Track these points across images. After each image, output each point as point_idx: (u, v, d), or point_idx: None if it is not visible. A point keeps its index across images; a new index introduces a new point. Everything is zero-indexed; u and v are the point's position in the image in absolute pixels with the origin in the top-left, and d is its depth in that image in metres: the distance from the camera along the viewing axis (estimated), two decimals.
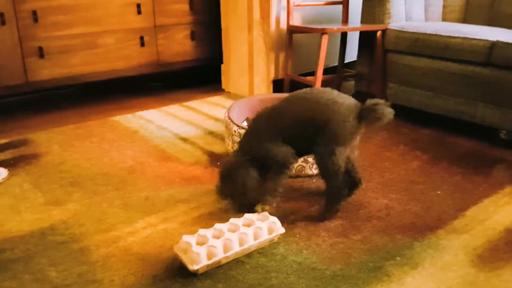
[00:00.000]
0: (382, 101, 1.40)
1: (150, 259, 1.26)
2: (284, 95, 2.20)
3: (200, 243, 1.25)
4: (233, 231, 1.29)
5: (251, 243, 1.27)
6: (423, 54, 2.22)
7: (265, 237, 1.30)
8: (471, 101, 2.09)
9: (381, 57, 2.38)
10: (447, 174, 1.77)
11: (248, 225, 1.33)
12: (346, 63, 3.07)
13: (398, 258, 1.26)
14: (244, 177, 1.42)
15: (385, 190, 1.64)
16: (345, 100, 1.41)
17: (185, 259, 1.20)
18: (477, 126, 2.16)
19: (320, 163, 1.42)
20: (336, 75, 2.78)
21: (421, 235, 1.37)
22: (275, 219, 1.35)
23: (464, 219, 1.45)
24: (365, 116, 1.39)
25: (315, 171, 1.76)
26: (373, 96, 2.51)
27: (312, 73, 2.89)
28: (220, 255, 1.21)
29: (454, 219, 1.45)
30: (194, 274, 1.20)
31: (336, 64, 2.99)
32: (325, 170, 1.41)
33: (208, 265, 1.20)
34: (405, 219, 1.46)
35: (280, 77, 2.81)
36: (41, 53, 2.43)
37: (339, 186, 1.42)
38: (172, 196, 1.60)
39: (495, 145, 2.05)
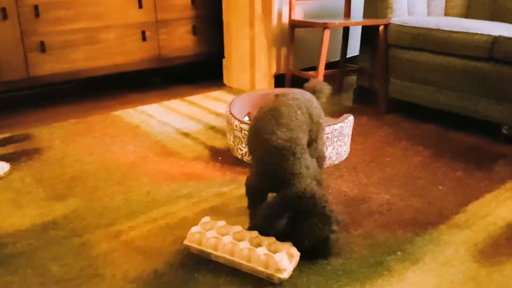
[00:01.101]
0: (317, 80, 1.53)
1: (152, 253, 1.27)
2: (287, 90, 2.19)
3: (205, 229, 1.29)
4: (238, 239, 1.24)
5: (242, 261, 1.19)
6: (425, 49, 2.21)
7: (258, 266, 1.16)
8: (473, 97, 2.08)
9: (383, 52, 2.37)
10: (449, 169, 1.77)
11: (257, 244, 1.22)
12: (348, 58, 3.06)
13: (399, 253, 1.26)
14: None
15: (386, 185, 1.64)
16: (310, 95, 1.47)
17: None
18: (479, 121, 2.15)
19: (322, 156, 1.49)
20: (338, 70, 2.77)
21: (422, 230, 1.37)
22: (283, 259, 1.15)
23: (466, 214, 1.45)
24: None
25: None
26: (374, 92, 2.51)
27: (314, 68, 2.88)
28: (207, 248, 1.24)
29: (456, 214, 1.45)
30: (196, 269, 1.20)
31: (338, 59, 2.98)
32: (323, 161, 1.51)
33: (198, 250, 1.24)
34: (407, 214, 1.46)
35: (281, 72, 2.81)
36: (42, 48, 2.43)
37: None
38: (174, 191, 1.60)
39: (497, 141, 2.04)
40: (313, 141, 1.43)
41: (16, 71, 2.39)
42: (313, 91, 1.51)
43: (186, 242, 1.27)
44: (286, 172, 1.18)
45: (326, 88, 1.54)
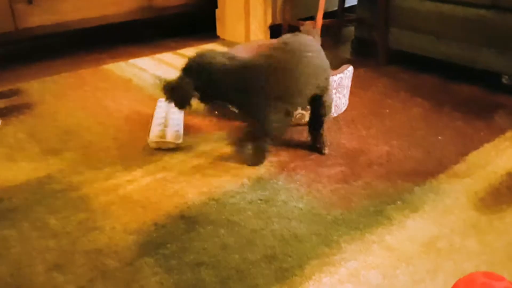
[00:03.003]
0: (309, 24, 1.62)
1: (151, 206, 1.25)
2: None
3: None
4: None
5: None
6: None
7: (169, 138, 1.55)
8: (474, 46, 2.03)
9: (383, 0, 2.29)
10: (449, 119, 1.75)
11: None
12: (346, 7, 2.96)
13: (399, 202, 1.26)
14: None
15: (385, 137, 1.62)
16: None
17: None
18: (479, 71, 2.11)
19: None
20: (336, 20, 2.68)
21: (422, 179, 1.36)
22: (171, 132, 1.57)
23: (465, 164, 1.44)
24: None
25: None
26: (373, 42, 2.44)
27: (312, 18, 2.79)
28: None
29: (456, 164, 1.44)
30: (196, 221, 1.19)
31: (336, 8, 2.89)
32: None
33: (156, 142, 1.54)
34: (406, 164, 1.45)
35: (278, 22, 2.72)
36: None
37: None
38: None
39: (497, 91, 2.02)
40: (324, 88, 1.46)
41: (3, 23, 2.28)
42: (310, 34, 1.50)
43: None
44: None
45: (318, 34, 1.54)
